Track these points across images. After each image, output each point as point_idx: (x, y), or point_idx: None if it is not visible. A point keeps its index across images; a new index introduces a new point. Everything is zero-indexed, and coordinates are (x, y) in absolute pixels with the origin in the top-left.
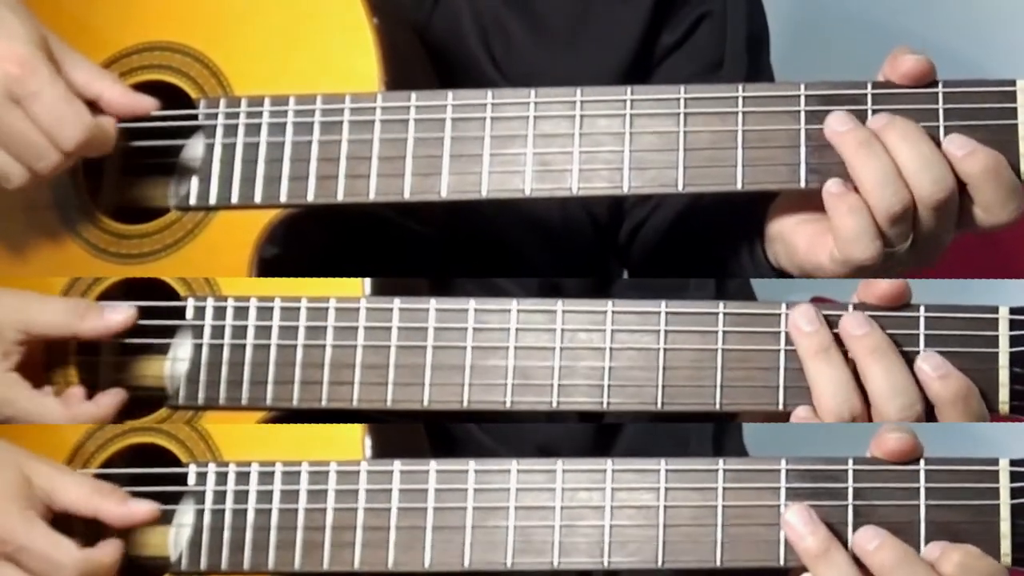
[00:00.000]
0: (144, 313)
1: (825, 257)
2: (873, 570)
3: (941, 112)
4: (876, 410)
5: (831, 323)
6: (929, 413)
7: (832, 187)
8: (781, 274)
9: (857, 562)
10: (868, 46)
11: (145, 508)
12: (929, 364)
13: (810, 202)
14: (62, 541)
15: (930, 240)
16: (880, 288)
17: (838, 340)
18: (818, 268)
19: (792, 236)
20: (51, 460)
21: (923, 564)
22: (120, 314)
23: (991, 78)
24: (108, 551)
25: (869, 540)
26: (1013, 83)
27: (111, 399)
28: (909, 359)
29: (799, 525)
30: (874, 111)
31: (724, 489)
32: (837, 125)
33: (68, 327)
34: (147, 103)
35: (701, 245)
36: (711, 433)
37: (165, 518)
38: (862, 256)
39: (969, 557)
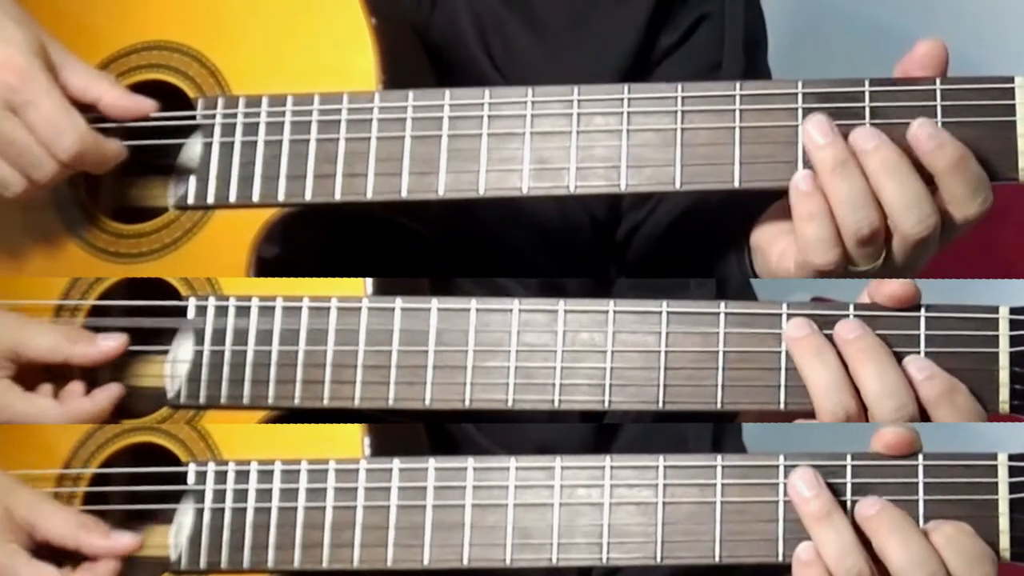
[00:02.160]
0: (145, 312)
1: (792, 264)
2: (871, 535)
3: (939, 109)
4: (870, 412)
5: (828, 325)
6: (925, 414)
7: (800, 183)
8: None
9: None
10: (868, 46)
11: (127, 540)
12: (915, 367)
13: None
14: (43, 569)
15: (907, 265)
16: (889, 288)
17: (834, 341)
18: (788, 275)
19: (768, 247)
20: (34, 490)
21: (920, 532)
22: (111, 341)
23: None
24: (98, 572)
25: (869, 506)
26: (1012, 80)
27: (107, 394)
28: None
29: (804, 488)
30: (872, 109)
31: (723, 485)
32: (817, 135)
33: (59, 352)
34: (146, 105)
35: (693, 250)
36: (710, 434)
37: (165, 517)
38: (819, 261)
39: (959, 532)
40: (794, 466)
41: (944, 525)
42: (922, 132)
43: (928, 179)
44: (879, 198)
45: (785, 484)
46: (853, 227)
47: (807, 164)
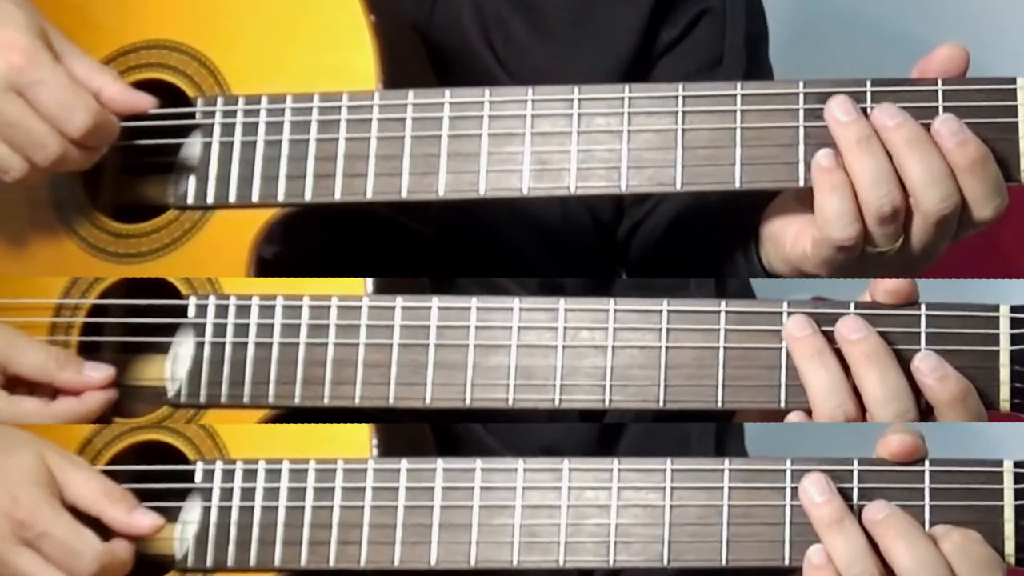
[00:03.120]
0: (146, 311)
1: (809, 243)
2: (879, 540)
3: (941, 110)
4: (871, 415)
5: (829, 323)
6: (926, 413)
7: (822, 159)
8: (771, 276)
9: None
10: (868, 46)
11: (149, 521)
12: (927, 365)
13: (805, 204)
14: (84, 531)
15: (925, 250)
16: (889, 284)
17: (833, 341)
18: (804, 257)
19: (782, 232)
20: (67, 452)
21: (927, 538)
22: (98, 373)
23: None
24: (127, 545)
25: (877, 511)
26: (1013, 81)
27: (97, 396)
28: (909, 358)
29: (816, 494)
30: (874, 109)
31: (729, 489)
32: (840, 113)
33: (46, 374)
34: (145, 100)
35: (697, 246)
36: (713, 435)
37: (172, 515)
38: (840, 236)
39: (968, 540)
40: (801, 470)
41: (953, 532)
42: (945, 128)
43: None
44: (902, 175)
45: (792, 488)
46: (875, 203)
47: (809, 164)
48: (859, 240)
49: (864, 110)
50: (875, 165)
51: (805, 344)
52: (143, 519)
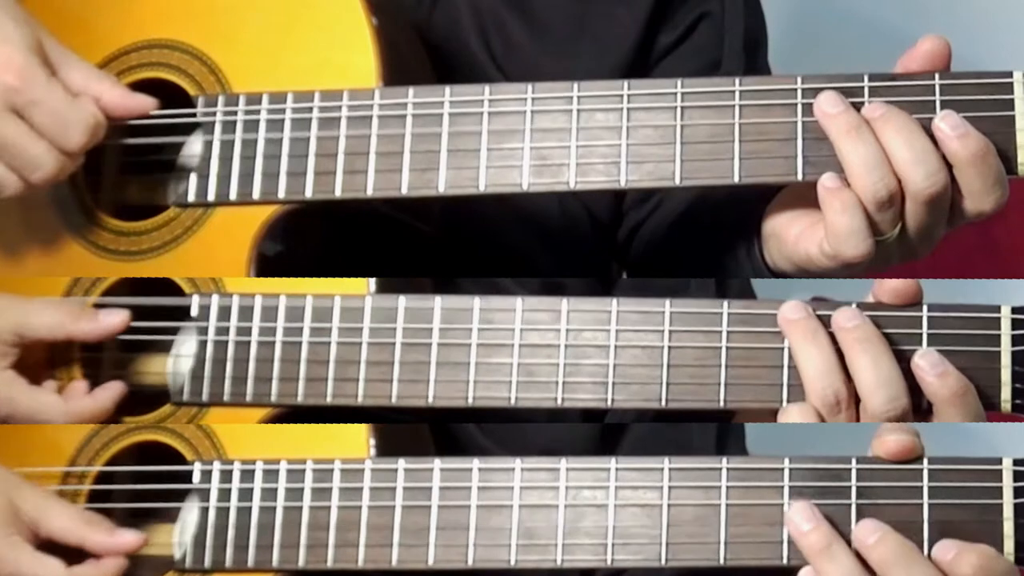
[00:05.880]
0: (148, 310)
1: (815, 248)
2: (872, 565)
3: (938, 104)
4: (864, 403)
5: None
6: (926, 412)
7: (827, 181)
8: (775, 274)
9: (859, 557)
10: (866, 47)
11: (131, 538)
12: (927, 361)
13: (806, 199)
14: (47, 561)
15: (921, 233)
16: (892, 284)
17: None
18: (808, 259)
19: (784, 230)
20: (39, 488)
21: (924, 561)
22: (114, 317)
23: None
24: (104, 568)
25: (869, 534)
26: (1010, 75)
27: (108, 393)
28: (910, 357)
29: (801, 522)
30: (871, 104)
31: (728, 488)
32: (828, 106)
33: (62, 329)
34: (146, 103)
35: (700, 245)
36: (714, 436)
37: (170, 516)
38: (853, 253)
39: (985, 558)
40: (799, 470)
41: (969, 553)
42: (945, 123)
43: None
44: (889, 158)
45: (790, 488)
46: (871, 189)
47: (807, 159)
48: (871, 254)
49: (860, 106)
50: (868, 151)
51: (799, 326)
52: (126, 537)
